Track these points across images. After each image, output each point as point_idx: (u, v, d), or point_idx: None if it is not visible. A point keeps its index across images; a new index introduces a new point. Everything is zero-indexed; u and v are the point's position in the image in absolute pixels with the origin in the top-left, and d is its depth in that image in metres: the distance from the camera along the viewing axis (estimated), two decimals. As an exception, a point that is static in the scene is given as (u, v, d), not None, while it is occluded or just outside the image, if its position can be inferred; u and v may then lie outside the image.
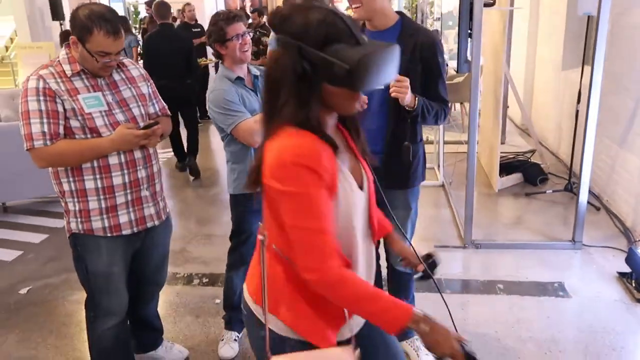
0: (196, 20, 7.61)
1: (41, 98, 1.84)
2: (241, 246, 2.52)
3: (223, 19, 2.23)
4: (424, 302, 2.90)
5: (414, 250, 1.50)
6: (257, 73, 2.40)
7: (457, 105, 6.81)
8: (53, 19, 7.79)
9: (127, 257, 2.14)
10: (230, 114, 2.21)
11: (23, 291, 3.29)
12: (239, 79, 2.31)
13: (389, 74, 1.19)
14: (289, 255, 1.23)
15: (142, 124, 2.03)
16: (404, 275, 2.42)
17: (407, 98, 1.95)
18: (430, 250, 1.53)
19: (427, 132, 6.43)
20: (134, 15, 13.95)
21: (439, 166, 5.06)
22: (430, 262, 1.50)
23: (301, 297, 1.27)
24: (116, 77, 2.02)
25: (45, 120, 1.84)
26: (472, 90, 3.33)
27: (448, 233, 3.84)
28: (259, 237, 1.31)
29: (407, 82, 1.93)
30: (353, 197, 1.25)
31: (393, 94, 1.93)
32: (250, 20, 7.30)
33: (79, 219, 1.99)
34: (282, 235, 1.21)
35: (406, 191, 2.24)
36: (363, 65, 1.08)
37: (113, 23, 1.85)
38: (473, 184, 3.53)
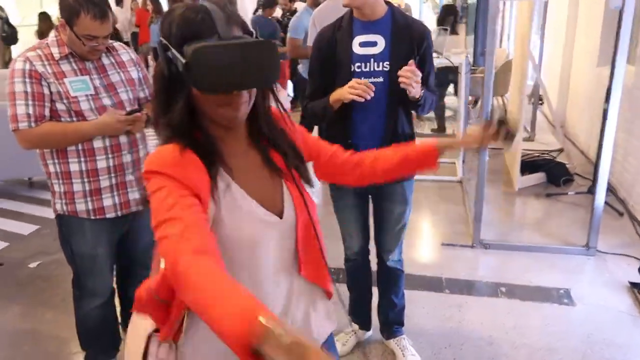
0: None
1: (27, 80, 1.86)
2: None
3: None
4: (423, 301, 2.85)
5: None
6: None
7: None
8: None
9: (112, 239, 2.17)
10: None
11: (33, 265, 3.41)
12: None
13: (241, 74, 0.97)
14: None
15: (128, 109, 2.04)
16: (393, 271, 2.37)
17: (417, 90, 1.91)
18: (500, 116, 1.37)
19: (451, 126, 6.29)
20: None
21: (463, 161, 4.88)
22: (506, 132, 1.34)
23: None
24: (105, 61, 2.03)
25: (30, 102, 1.86)
26: (485, 84, 3.20)
27: (458, 231, 3.73)
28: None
29: (419, 75, 1.89)
30: (251, 223, 1.09)
31: (403, 85, 1.88)
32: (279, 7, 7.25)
33: (63, 201, 2.03)
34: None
35: (403, 184, 2.19)
36: (200, 58, 0.93)
37: (101, 7, 1.85)
38: (483, 181, 3.41)
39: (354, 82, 1.92)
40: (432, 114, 6.11)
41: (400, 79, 1.88)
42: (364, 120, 2.07)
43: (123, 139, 2.04)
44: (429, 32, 2.07)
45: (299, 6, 10.07)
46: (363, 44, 2.01)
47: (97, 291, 2.20)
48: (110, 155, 2.01)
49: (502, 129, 1.33)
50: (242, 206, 1.08)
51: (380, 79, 2.01)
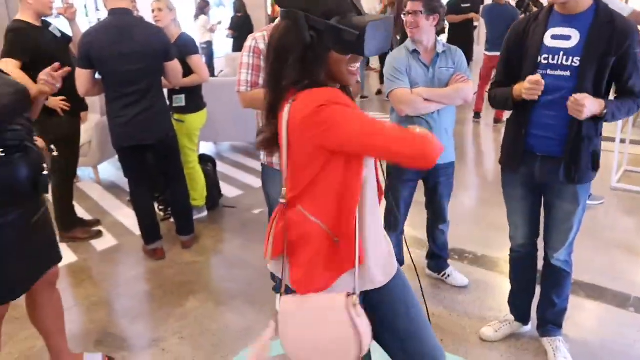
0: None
1: (250, 54, 2.40)
2: (388, 214, 2.84)
3: None
4: (600, 312, 2.69)
5: None
6: (440, 50, 2.56)
7: None
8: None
9: None
10: (392, 79, 2.49)
11: (256, 212, 4.19)
12: (415, 51, 2.54)
13: (387, 42, 1.31)
14: (318, 214, 1.37)
15: None
16: (557, 271, 2.34)
17: (586, 114, 1.91)
18: None
19: (608, 130, 5.35)
20: None
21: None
22: None
23: (316, 257, 1.39)
24: None
25: (249, 72, 2.40)
26: None
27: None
28: (281, 200, 1.42)
29: (583, 101, 1.88)
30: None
31: (571, 112, 1.92)
32: None
33: (263, 153, 2.53)
34: (309, 194, 1.37)
35: (575, 186, 2.16)
36: (369, 32, 1.22)
37: None
38: None
39: (529, 81, 1.98)
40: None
41: (569, 109, 1.91)
42: (545, 114, 2.08)
43: None
44: (635, 31, 1.96)
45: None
46: (555, 37, 2.02)
47: None
48: None
49: None
50: None
51: (567, 73, 1.99)
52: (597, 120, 2.03)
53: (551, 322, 2.45)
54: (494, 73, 6.72)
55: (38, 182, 1.98)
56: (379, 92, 8.30)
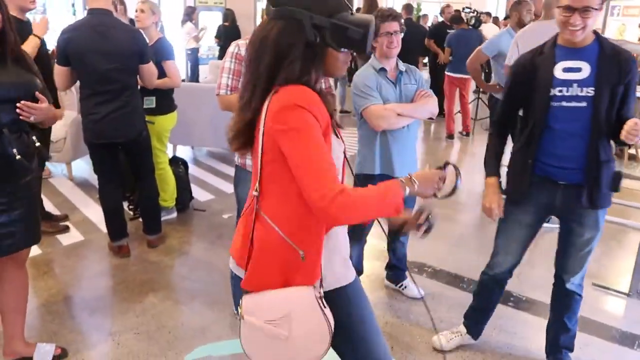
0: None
1: (233, 60, 2.51)
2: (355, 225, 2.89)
3: (379, 16, 2.57)
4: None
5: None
6: (403, 69, 2.68)
7: None
8: None
9: None
10: (364, 96, 2.58)
11: (225, 216, 4.25)
12: (383, 70, 2.65)
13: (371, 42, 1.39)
14: (282, 215, 1.37)
15: None
16: (572, 295, 2.38)
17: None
18: (422, 206, 1.53)
19: None
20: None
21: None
22: (426, 222, 1.50)
23: (281, 259, 1.38)
24: None
25: (230, 76, 2.51)
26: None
27: (619, 277, 3.47)
28: (253, 192, 1.39)
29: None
30: (338, 151, 1.42)
31: (624, 138, 1.92)
32: None
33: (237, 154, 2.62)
34: (272, 200, 1.37)
35: (597, 211, 2.20)
36: (372, 30, 1.30)
37: None
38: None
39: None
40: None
41: (624, 135, 1.91)
42: (563, 145, 2.10)
43: None
44: (634, 61, 2.07)
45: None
46: (567, 69, 2.06)
47: None
48: None
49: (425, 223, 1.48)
50: (335, 134, 1.43)
51: (584, 104, 2.05)
52: (619, 144, 2.11)
53: (565, 347, 2.48)
54: (457, 92, 7.06)
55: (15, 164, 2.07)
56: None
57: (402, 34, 2.65)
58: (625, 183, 2.20)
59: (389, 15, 2.56)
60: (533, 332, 2.82)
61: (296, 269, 1.38)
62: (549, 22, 3.65)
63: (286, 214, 1.37)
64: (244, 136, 1.40)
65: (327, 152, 1.28)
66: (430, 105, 2.67)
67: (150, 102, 3.65)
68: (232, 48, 2.54)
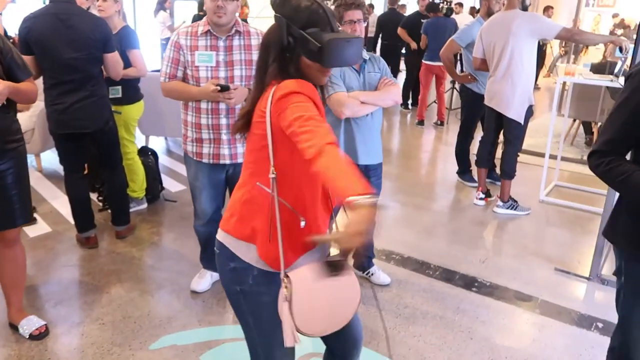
0: None
1: (172, 47, 2.57)
2: None
3: (342, 4, 2.58)
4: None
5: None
6: (367, 57, 2.70)
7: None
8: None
9: (213, 179, 2.75)
10: (329, 84, 2.60)
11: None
12: None
13: (352, 58, 1.47)
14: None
15: (227, 84, 2.50)
16: None
17: None
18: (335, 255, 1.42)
19: (538, 146, 5.67)
20: None
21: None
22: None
23: (274, 229, 1.48)
24: (235, 42, 2.58)
25: (169, 64, 2.58)
26: None
27: (582, 262, 3.56)
28: (270, 175, 1.46)
29: None
30: None
31: None
32: None
33: (185, 141, 2.74)
34: (266, 170, 1.46)
35: None
36: (331, 46, 1.39)
37: None
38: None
39: None
40: None
41: None
42: None
43: (222, 105, 2.58)
44: None
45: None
46: None
47: (197, 213, 2.86)
48: (210, 116, 2.60)
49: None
50: None
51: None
52: None
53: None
54: (433, 80, 7.10)
55: None
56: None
57: (366, 23, 2.66)
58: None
59: (352, 3, 2.57)
60: (494, 315, 2.89)
61: (299, 233, 1.49)
62: (509, 12, 3.56)
63: (293, 191, 1.50)
64: (242, 120, 1.54)
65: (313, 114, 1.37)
66: (393, 93, 2.70)
67: (116, 91, 3.61)
68: (172, 36, 2.62)
